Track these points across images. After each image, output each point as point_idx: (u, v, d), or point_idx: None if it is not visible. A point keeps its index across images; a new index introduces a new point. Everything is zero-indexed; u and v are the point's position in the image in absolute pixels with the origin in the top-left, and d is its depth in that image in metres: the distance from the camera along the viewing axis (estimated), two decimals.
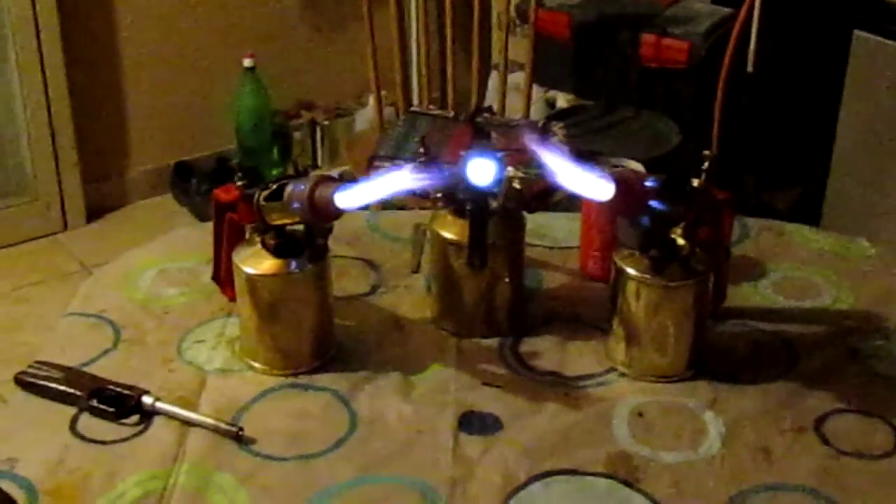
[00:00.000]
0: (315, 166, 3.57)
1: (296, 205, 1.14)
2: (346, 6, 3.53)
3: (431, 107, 2.69)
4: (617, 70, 2.91)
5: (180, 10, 3.28)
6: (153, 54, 3.28)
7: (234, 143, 3.43)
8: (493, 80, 3.38)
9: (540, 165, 1.08)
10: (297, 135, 3.52)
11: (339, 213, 1.13)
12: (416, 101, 3.12)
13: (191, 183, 3.34)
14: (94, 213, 3.30)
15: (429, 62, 2.90)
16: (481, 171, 1.13)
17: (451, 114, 2.66)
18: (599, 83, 2.96)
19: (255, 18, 3.40)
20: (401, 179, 1.09)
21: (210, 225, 1.34)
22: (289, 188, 1.15)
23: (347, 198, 1.09)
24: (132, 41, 3.23)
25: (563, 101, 3.24)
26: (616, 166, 1.28)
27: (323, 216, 1.13)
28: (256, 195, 1.19)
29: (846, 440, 1.14)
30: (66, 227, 3.24)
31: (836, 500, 1.06)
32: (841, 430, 1.16)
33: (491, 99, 3.17)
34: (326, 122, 3.54)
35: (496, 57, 3.40)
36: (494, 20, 3.56)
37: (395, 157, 2.44)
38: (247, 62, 3.31)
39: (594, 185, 1.08)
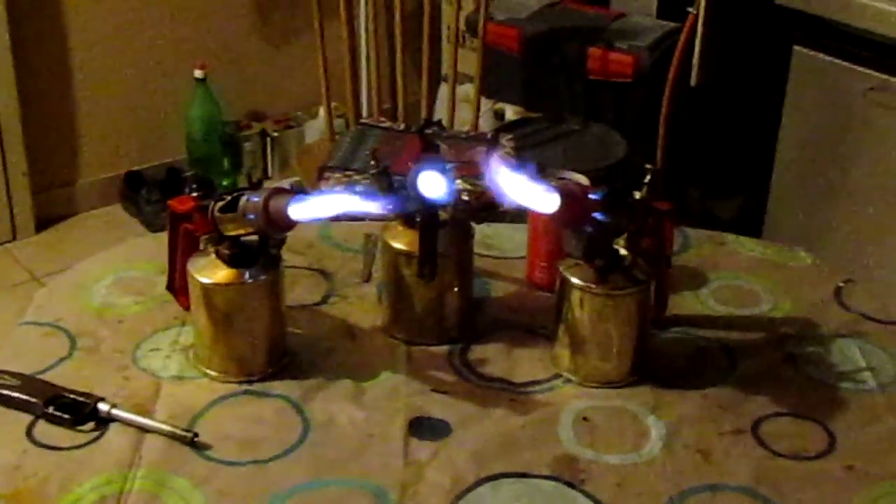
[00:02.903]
0: (265, 177, 3.59)
1: (251, 216, 1.16)
2: (297, 18, 3.55)
3: (381, 119, 2.72)
4: (565, 83, 2.96)
5: (132, 19, 3.28)
6: (104, 64, 3.27)
7: (185, 153, 3.44)
8: (442, 92, 3.42)
9: (487, 178, 1.11)
10: (247, 145, 3.53)
11: (292, 225, 1.16)
12: (365, 112, 3.15)
13: (141, 193, 3.34)
14: (43, 222, 3.29)
15: (379, 74, 2.93)
16: (431, 183, 1.17)
17: (402, 126, 2.69)
18: (548, 95, 3.01)
19: (206, 29, 3.41)
20: (353, 201, 1.12)
21: (163, 235, 1.36)
22: (243, 199, 1.18)
23: (301, 210, 1.12)
24: (83, 50, 3.23)
25: (511, 112, 3.29)
26: (561, 178, 1.32)
27: (277, 227, 1.16)
28: (211, 206, 1.22)
29: (782, 442, 1.19)
30: (14, 236, 3.23)
31: (772, 500, 1.11)
32: (777, 432, 1.20)
33: (440, 111, 3.21)
34: (277, 134, 3.56)
35: (444, 69, 3.44)
36: (444, 33, 3.60)
37: (345, 167, 2.47)
38: (197, 73, 3.32)
39: (540, 198, 1.12)
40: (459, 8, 2.80)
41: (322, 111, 3.54)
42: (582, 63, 2.90)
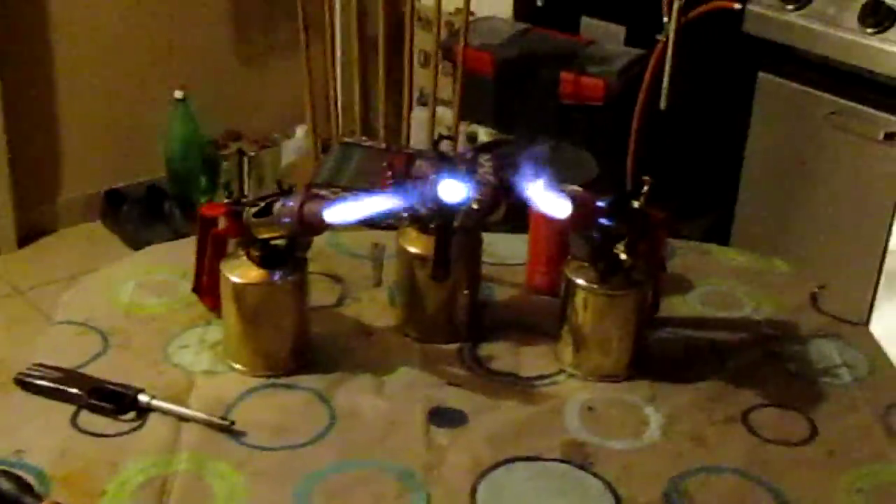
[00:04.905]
0: (242, 195, 3.66)
1: (285, 219, 1.26)
2: (275, 39, 3.65)
3: (364, 138, 2.82)
4: (538, 106, 3.08)
5: (114, 39, 3.36)
6: (87, 83, 3.36)
7: (164, 171, 3.52)
8: (415, 114, 3.52)
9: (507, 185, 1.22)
10: (225, 164, 3.62)
11: (325, 228, 1.25)
12: (334, 133, 3.24)
13: (122, 210, 3.41)
14: (25, 238, 3.35)
15: (360, 96, 3.03)
16: (452, 190, 1.27)
17: (383, 145, 2.80)
18: (521, 118, 3.12)
19: (185, 50, 3.50)
20: (385, 201, 1.22)
21: (181, 242, 1.45)
22: (278, 204, 1.27)
23: (336, 213, 1.22)
24: (67, 69, 3.31)
25: (483, 134, 3.40)
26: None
27: (310, 230, 1.26)
28: (245, 211, 1.31)
29: (769, 430, 1.30)
30: None
31: (763, 480, 1.22)
32: (764, 421, 1.31)
33: (415, 133, 3.31)
34: (254, 153, 3.64)
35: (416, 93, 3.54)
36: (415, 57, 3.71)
37: (331, 184, 2.57)
38: (178, 94, 3.41)
39: (554, 204, 1.23)
40: (449, 32, 2.91)
41: (299, 131, 3.65)
42: (554, 87, 3.03)
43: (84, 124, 3.40)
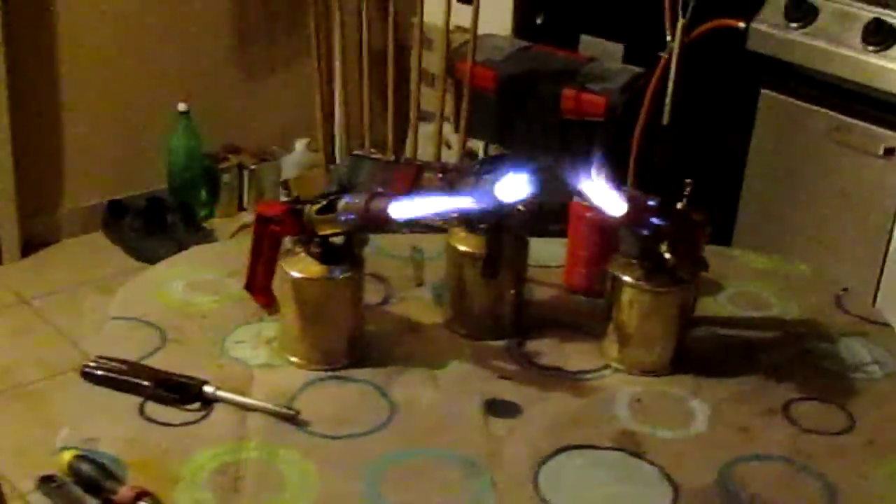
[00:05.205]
0: (241, 208, 3.71)
1: (350, 216, 1.31)
2: (276, 53, 3.70)
3: (372, 150, 2.87)
4: (539, 121, 3.14)
5: (118, 53, 3.40)
6: (91, 95, 3.38)
7: (165, 183, 3.55)
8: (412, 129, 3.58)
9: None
10: (225, 177, 3.65)
11: (389, 224, 1.30)
12: (337, 147, 3.28)
13: (125, 220, 3.44)
14: (28, 247, 3.37)
15: (360, 110, 3.08)
16: (511, 188, 1.32)
17: (392, 157, 2.85)
18: (522, 133, 3.19)
19: (187, 63, 3.53)
20: (447, 201, 1.28)
21: (220, 245, 1.50)
22: (342, 202, 1.32)
23: (401, 209, 1.27)
24: (72, 82, 3.34)
25: (484, 150, 3.46)
26: None
27: (374, 226, 1.31)
28: (308, 209, 1.36)
29: (809, 420, 1.36)
30: (0, 261, 3.30)
31: (808, 467, 1.28)
32: (804, 413, 1.37)
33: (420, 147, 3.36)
34: (254, 167, 3.68)
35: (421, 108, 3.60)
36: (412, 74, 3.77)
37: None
38: (181, 106, 3.45)
39: (612, 202, 1.29)
40: (448, 49, 2.96)
41: (300, 144, 3.70)
42: (556, 103, 3.09)
43: (87, 136, 3.42)
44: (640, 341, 1.43)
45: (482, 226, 1.44)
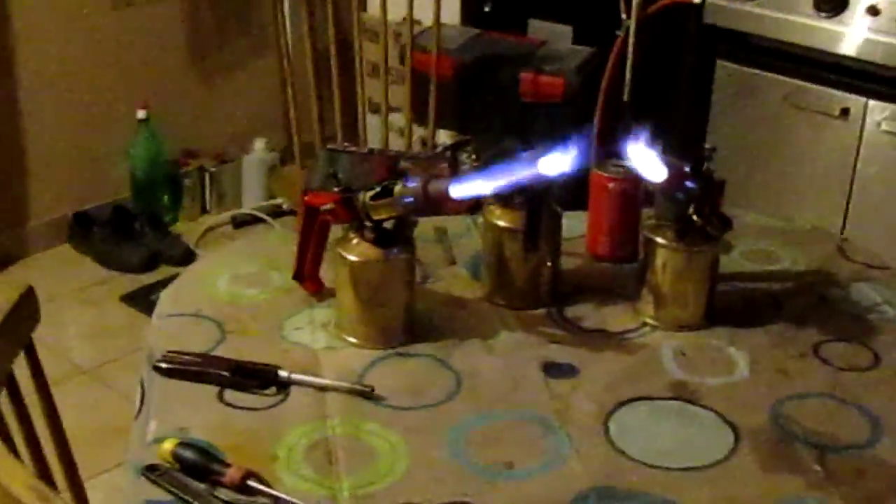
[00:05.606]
0: (204, 211, 3.75)
1: (408, 199, 1.38)
2: (228, 55, 3.74)
3: (346, 143, 2.94)
4: (499, 106, 3.23)
5: (75, 62, 3.41)
6: (49, 106, 3.39)
7: (128, 191, 3.57)
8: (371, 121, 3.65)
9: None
10: (187, 181, 3.68)
11: (447, 204, 1.38)
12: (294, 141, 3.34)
13: (93, 230, 3.45)
14: None
15: (319, 104, 3.14)
16: (553, 164, 1.41)
17: (366, 149, 2.92)
18: (483, 118, 3.27)
19: (143, 70, 3.56)
20: (507, 177, 1.36)
21: (254, 238, 1.56)
22: (399, 186, 1.39)
23: (461, 189, 1.35)
24: (28, 94, 3.34)
25: (443, 137, 3.53)
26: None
27: (435, 207, 1.38)
28: (361, 195, 1.43)
29: (839, 360, 1.47)
30: None
31: (847, 401, 1.39)
32: (833, 353, 1.48)
33: (372, 140, 3.43)
34: (214, 169, 3.72)
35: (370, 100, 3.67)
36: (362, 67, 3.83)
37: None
38: (140, 114, 3.48)
39: (653, 167, 1.38)
40: (412, 39, 3.04)
41: (259, 143, 3.74)
42: (514, 87, 3.19)
43: (48, 150, 3.43)
44: (675, 299, 1.52)
45: (517, 201, 1.52)
